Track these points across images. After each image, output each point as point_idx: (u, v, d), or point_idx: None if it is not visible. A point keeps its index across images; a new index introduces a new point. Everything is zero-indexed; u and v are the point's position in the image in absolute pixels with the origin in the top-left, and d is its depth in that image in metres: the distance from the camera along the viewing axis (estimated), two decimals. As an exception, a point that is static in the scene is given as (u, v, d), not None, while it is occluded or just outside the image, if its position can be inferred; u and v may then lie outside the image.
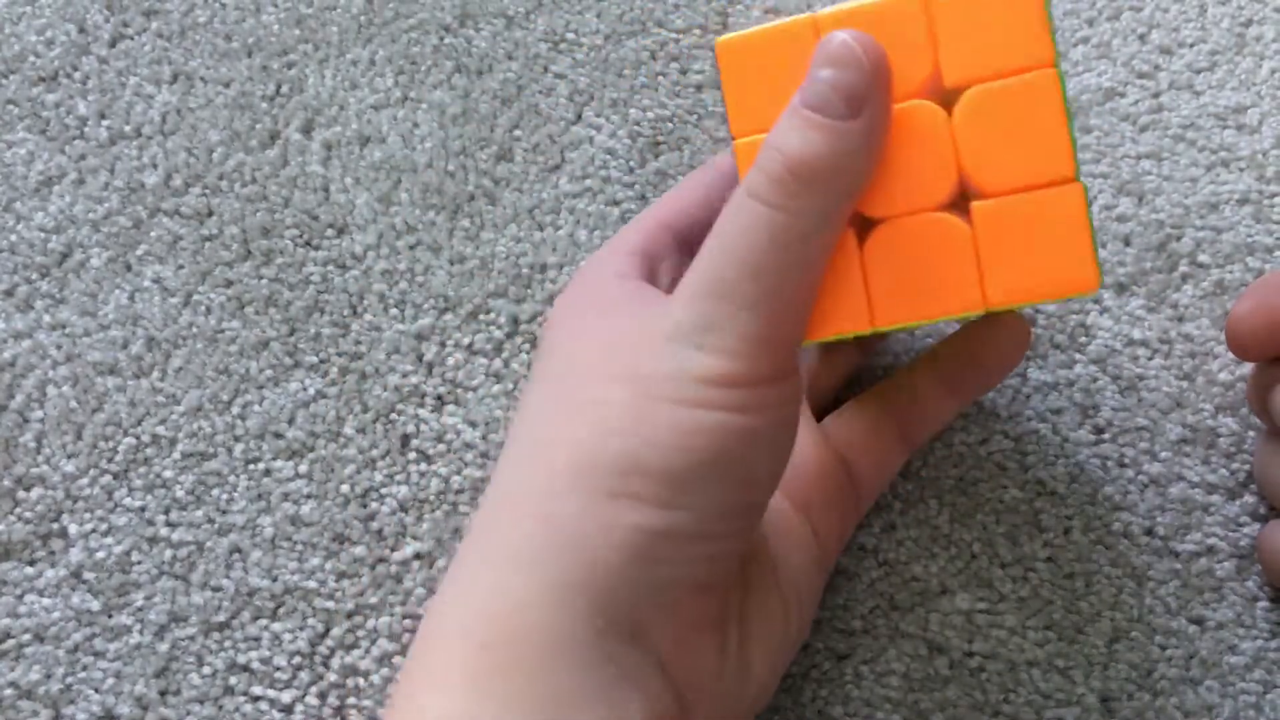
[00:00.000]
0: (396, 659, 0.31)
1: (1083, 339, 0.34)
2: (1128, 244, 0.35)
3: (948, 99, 0.25)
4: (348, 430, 0.34)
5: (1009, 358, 0.30)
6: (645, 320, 0.26)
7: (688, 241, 0.31)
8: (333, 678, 0.31)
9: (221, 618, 0.32)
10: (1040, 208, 0.25)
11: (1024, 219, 0.25)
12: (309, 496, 0.33)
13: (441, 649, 0.25)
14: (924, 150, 0.25)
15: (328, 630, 0.32)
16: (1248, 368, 0.33)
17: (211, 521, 0.33)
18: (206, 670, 0.31)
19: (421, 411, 0.34)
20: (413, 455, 0.33)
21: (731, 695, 0.27)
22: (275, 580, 0.32)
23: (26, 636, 0.31)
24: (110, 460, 0.33)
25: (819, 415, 0.32)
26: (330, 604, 0.32)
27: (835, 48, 0.25)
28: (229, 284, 0.35)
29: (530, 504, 0.26)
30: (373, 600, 0.32)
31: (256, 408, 0.34)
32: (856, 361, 0.33)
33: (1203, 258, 0.35)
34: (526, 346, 0.34)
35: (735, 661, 0.27)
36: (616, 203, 0.36)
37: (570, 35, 0.38)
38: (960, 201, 0.26)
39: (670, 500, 0.25)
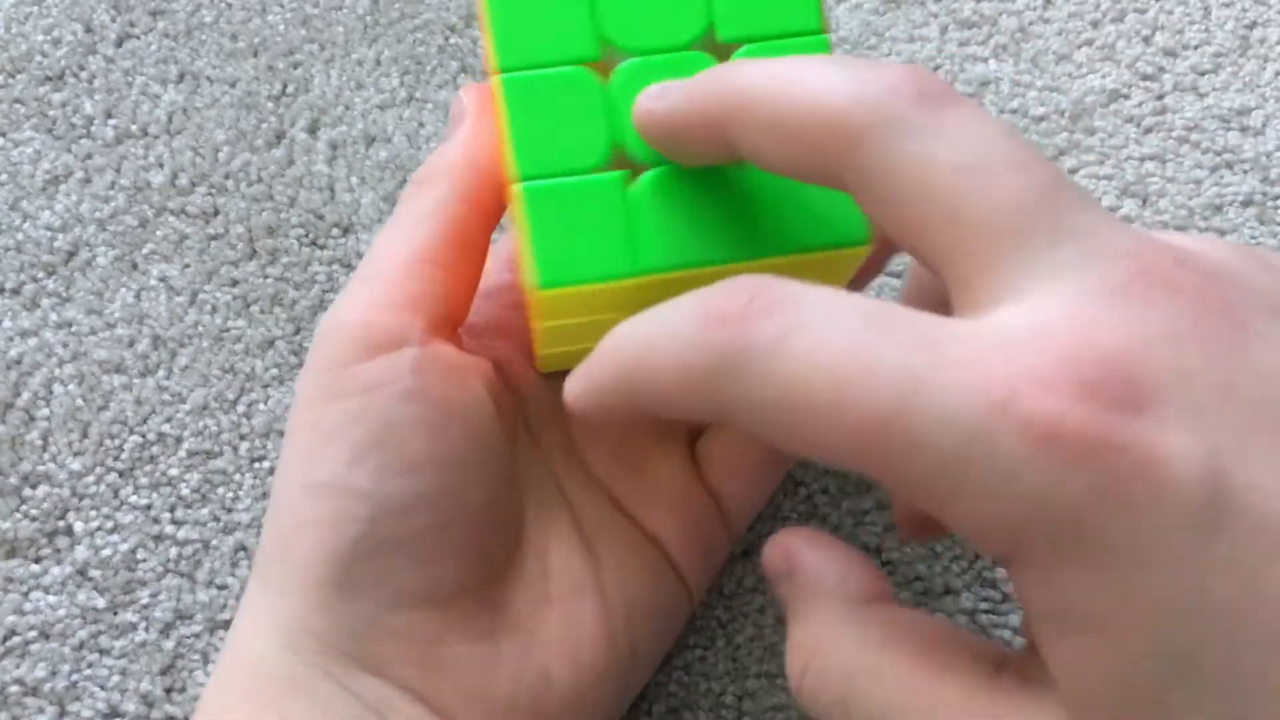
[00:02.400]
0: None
1: (1086, 340, 0.34)
2: (1131, 245, 0.35)
3: (723, 55, 0.25)
4: (353, 429, 0.34)
5: None
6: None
7: None
8: (337, 676, 0.31)
9: (227, 615, 0.32)
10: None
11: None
12: (314, 495, 0.33)
13: (209, 700, 0.26)
14: None
15: (332, 628, 0.32)
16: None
17: (217, 519, 0.33)
18: (212, 668, 0.31)
19: (426, 410, 0.34)
20: (417, 454, 0.33)
21: (521, 698, 0.26)
22: (280, 578, 0.32)
23: (32, 634, 0.31)
24: (116, 458, 0.33)
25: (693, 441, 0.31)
26: (335, 602, 0.32)
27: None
28: (234, 283, 0.35)
29: (260, 550, 0.27)
30: (377, 598, 0.32)
31: (262, 406, 0.34)
32: None
33: (1206, 259, 0.35)
34: (531, 346, 0.35)
35: (515, 666, 0.26)
36: (621, 203, 0.36)
37: (575, 36, 0.38)
38: None
39: (338, 514, 0.24)
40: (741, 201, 0.24)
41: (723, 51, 0.25)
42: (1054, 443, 0.17)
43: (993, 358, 0.17)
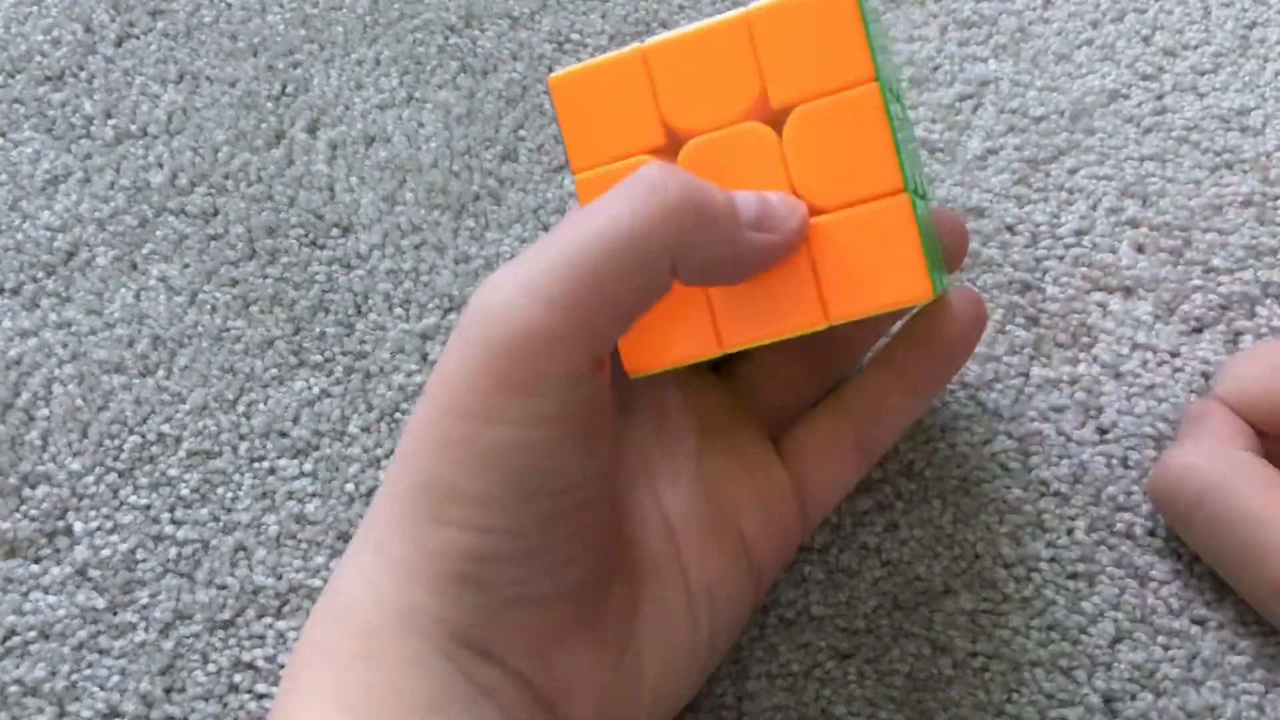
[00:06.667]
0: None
1: (1085, 339, 0.34)
2: (1131, 245, 0.35)
3: (777, 120, 0.26)
4: (352, 429, 0.34)
5: (967, 337, 0.29)
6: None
7: None
8: (337, 676, 0.31)
9: (226, 615, 0.32)
10: (870, 221, 0.25)
11: (855, 233, 0.25)
12: (313, 495, 0.33)
13: (313, 668, 0.26)
14: (757, 173, 0.26)
15: (332, 628, 0.32)
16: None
17: (216, 520, 0.33)
18: (211, 668, 0.31)
19: (426, 410, 0.34)
20: (417, 454, 0.33)
21: (619, 688, 0.27)
22: (280, 578, 0.32)
23: (32, 634, 0.31)
24: (116, 458, 0.33)
25: (777, 435, 0.31)
26: (335, 602, 0.32)
27: (775, 199, 0.26)
28: (234, 283, 0.35)
29: (370, 531, 0.27)
30: (377, 598, 0.32)
31: (261, 406, 0.34)
32: (819, 383, 0.32)
33: (1206, 259, 0.35)
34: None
35: (616, 654, 0.27)
36: (621, 203, 0.36)
37: (575, 36, 0.38)
38: None
39: (483, 524, 0.25)
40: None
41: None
42: None
43: None
